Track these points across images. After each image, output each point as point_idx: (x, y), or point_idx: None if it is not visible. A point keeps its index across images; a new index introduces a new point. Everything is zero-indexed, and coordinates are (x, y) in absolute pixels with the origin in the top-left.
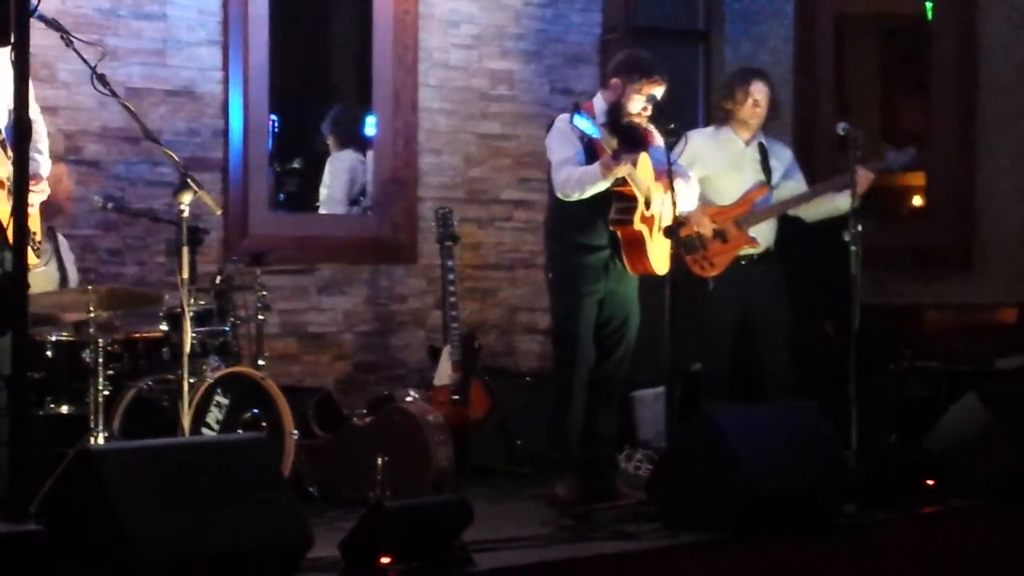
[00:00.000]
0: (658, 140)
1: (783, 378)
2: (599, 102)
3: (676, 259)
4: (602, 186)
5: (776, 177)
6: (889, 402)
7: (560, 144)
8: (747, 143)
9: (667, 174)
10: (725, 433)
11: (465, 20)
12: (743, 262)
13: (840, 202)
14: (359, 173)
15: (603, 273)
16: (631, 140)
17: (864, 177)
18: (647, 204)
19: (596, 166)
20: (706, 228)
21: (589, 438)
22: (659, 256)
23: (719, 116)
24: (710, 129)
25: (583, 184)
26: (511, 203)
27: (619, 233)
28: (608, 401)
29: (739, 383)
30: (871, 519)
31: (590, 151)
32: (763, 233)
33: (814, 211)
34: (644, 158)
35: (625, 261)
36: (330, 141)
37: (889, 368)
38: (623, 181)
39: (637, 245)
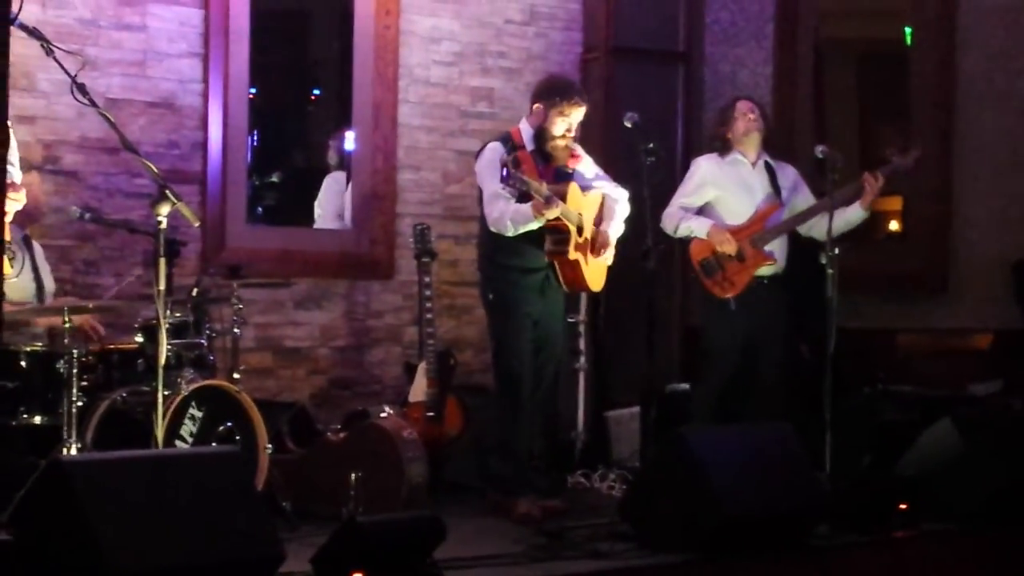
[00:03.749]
0: (583, 157)
1: (775, 399)
2: (525, 128)
3: (652, 280)
4: (534, 226)
5: (785, 194)
6: (863, 425)
7: (491, 175)
8: (754, 164)
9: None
10: (699, 454)
11: (446, 37)
12: (756, 284)
13: (851, 215)
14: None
15: (539, 294)
16: (559, 168)
17: (872, 183)
18: (580, 230)
19: (528, 208)
20: (730, 247)
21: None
22: (595, 275)
23: (720, 147)
24: (714, 155)
25: (516, 224)
26: None
27: (556, 262)
28: (537, 419)
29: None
30: (844, 541)
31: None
32: (778, 251)
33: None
34: (572, 189)
35: (562, 282)
36: (332, 161)
37: (863, 392)
38: (556, 217)
39: (574, 269)
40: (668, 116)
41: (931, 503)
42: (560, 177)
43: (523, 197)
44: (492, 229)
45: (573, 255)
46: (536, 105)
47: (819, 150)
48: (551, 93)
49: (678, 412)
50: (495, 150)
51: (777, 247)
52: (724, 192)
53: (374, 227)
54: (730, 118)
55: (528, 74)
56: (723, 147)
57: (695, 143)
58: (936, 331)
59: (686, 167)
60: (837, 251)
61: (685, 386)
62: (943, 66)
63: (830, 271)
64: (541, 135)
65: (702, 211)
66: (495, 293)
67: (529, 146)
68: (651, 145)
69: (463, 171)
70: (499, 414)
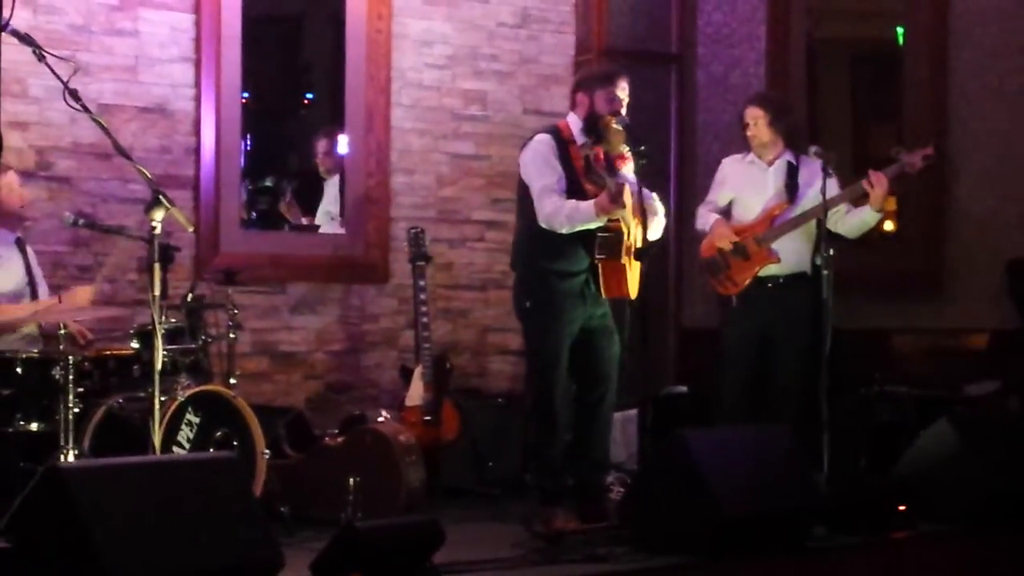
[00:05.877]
0: (628, 163)
1: (785, 402)
2: (574, 121)
3: (646, 284)
4: (594, 224)
5: (801, 192)
6: (860, 427)
7: (540, 169)
8: (770, 164)
9: (639, 199)
10: (697, 456)
11: (439, 40)
12: (769, 283)
13: (866, 216)
14: None
15: (580, 299)
16: (610, 168)
17: (879, 181)
18: (628, 234)
19: (590, 205)
20: (726, 243)
21: (581, 463)
22: (635, 282)
23: (746, 146)
24: (741, 155)
25: (573, 221)
26: (483, 223)
27: (602, 266)
28: (600, 425)
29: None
30: (841, 543)
31: (570, 174)
32: (791, 252)
33: (848, 227)
34: (627, 190)
35: (601, 287)
36: (326, 165)
37: (859, 393)
38: (614, 218)
39: (619, 274)
40: (661, 118)
41: (929, 504)
42: (612, 176)
43: (571, 193)
44: (543, 225)
45: (624, 259)
46: (579, 96)
47: (812, 150)
48: (593, 81)
49: (675, 414)
50: (543, 142)
51: (792, 248)
52: (739, 193)
53: (368, 231)
54: (740, 123)
55: (521, 76)
56: (746, 147)
57: (688, 145)
58: (932, 331)
59: (679, 169)
60: (832, 252)
61: (682, 388)
62: (936, 66)
63: (825, 272)
64: (593, 122)
65: (726, 211)
66: (533, 301)
67: (579, 139)
68: (643, 148)
69: (456, 174)
70: (535, 428)
